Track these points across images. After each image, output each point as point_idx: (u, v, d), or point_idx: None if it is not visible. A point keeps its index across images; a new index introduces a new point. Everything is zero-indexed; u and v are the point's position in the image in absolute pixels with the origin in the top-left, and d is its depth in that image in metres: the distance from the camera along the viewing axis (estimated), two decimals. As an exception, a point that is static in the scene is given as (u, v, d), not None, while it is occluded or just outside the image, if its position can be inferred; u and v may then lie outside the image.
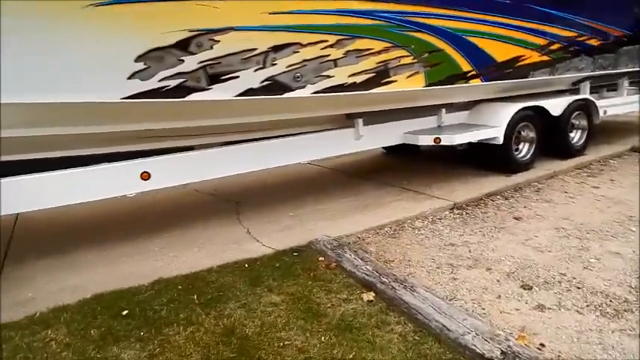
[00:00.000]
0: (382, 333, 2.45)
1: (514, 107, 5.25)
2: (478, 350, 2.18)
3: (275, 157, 4.22)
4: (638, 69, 6.75)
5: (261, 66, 3.45)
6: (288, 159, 4.33)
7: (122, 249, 3.76)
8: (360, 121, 4.55)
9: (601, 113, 6.33)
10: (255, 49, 3.39)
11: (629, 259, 3.28)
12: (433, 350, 2.29)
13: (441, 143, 4.82)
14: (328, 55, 3.72)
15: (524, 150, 5.60)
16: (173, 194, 5.15)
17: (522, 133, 5.57)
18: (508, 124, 5.15)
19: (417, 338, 2.40)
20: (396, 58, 4.10)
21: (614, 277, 3.03)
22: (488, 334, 2.30)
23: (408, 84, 4.27)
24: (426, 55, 4.28)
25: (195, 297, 2.76)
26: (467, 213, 4.38)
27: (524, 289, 2.95)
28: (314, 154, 4.52)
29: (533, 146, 5.57)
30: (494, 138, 5.14)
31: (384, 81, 4.11)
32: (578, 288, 2.93)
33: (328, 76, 3.78)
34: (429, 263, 3.35)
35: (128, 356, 2.23)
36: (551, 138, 5.84)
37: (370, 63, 3.95)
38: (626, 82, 7.03)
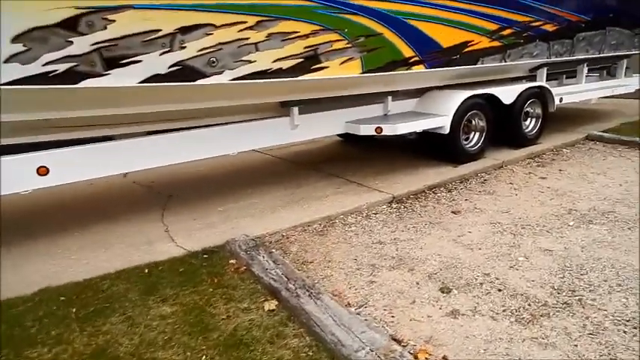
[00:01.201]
0: (274, 349, 2.22)
1: (462, 95, 5.02)
2: (367, 369, 1.97)
3: (200, 148, 3.92)
4: (596, 55, 6.61)
5: (167, 49, 3.12)
6: (215, 150, 4.03)
7: (25, 250, 3.43)
8: (296, 109, 4.27)
9: (557, 101, 6.18)
10: (159, 31, 3.05)
11: (558, 257, 3.12)
12: (323, 369, 2.08)
13: (383, 133, 4.58)
14: (248, 38, 3.40)
15: (475, 139, 5.41)
16: (108, 185, 4.83)
17: (472, 122, 5.37)
18: (455, 113, 4.94)
19: (310, 354, 2.18)
20: (327, 42, 3.80)
21: (539, 278, 2.86)
22: (384, 349, 2.09)
23: (343, 70, 3.99)
24: (362, 39, 4.00)
25: (75, 310, 2.48)
26: (405, 207, 4.18)
27: (443, 292, 2.75)
28: (245, 144, 4.21)
29: (484, 135, 5.39)
30: (441, 127, 4.93)
31: (315, 67, 3.82)
32: (499, 290, 2.75)
33: (249, 61, 3.47)
34: (349, 264, 3.13)
35: (-31, 385, 1.96)
36: (504, 127, 5.67)
37: (297, 47, 3.65)
38: (585, 69, 6.87)
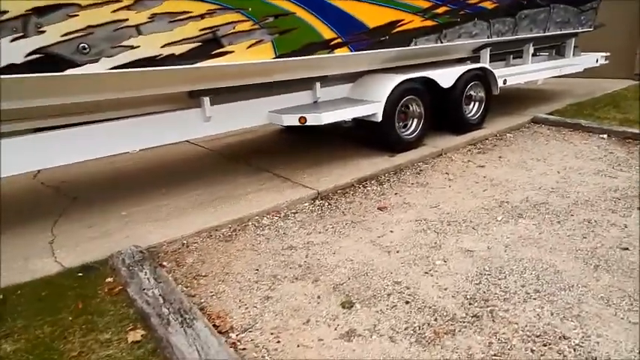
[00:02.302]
0: (122, 395, 1.85)
1: (395, 79, 4.68)
2: (217, 423, 1.63)
3: (93, 146, 3.45)
4: (541, 35, 6.38)
5: (20, 34, 2.64)
6: (111, 148, 3.57)
7: None
8: (207, 99, 3.84)
9: (500, 83, 5.92)
10: (4, 13, 2.56)
11: (479, 258, 2.85)
12: (172, 420, 1.73)
13: (307, 123, 4.20)
14: (126, 20, 2.94)
15: (413, 126, 5.10)
16: (12, 186, 4.30)
17: (410, 107, 5.05)
18: (388, 99, 4.59)
19: (162, 400, 1.83)
20: (229, 23, 3.37)
21: (453, 285, 2.58)
22: (246, 392, 1.76)
23: (251, 55, 3.57)
24: (271, 19, 3.57)
25: None
26: (329, 204, 3.84)
27: (344, 307, 2.44)
28: (148, 140, 3.75)
29: (422, 122, 5.08)
30: (373, 115, 4.59)
31: (216, 52, 3.39)
32: (407, 302, 2.45)
33: (131, 47, 3.01)
34: (248, 276, 2.77)
35: None
36: (445, 112, 5.39)
37: (191, 30, 3.21)
38: (531, 49, 6.64)
